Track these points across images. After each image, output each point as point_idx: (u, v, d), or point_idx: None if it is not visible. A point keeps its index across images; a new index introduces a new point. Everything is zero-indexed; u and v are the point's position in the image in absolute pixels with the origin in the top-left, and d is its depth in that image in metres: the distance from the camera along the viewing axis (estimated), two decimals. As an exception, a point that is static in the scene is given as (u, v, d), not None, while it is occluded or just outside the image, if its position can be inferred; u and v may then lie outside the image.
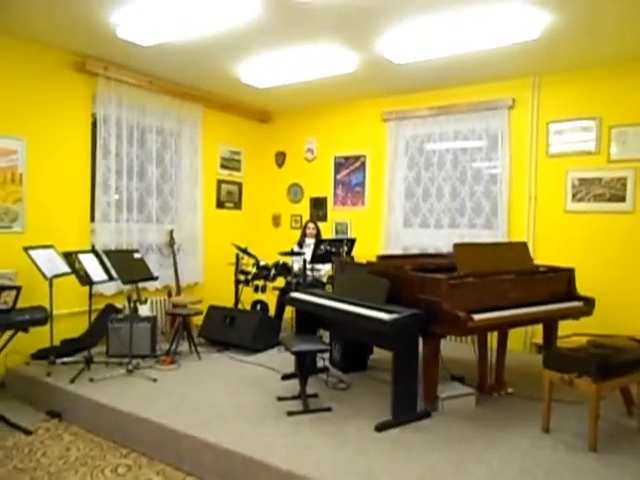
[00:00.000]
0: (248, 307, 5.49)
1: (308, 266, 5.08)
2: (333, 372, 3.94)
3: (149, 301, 4.70)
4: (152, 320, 4.32)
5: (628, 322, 4.21)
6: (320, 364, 4.00)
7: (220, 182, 6.03)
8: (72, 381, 3.59)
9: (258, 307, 5.49)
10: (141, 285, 4.77)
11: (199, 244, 5.60)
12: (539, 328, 4.37)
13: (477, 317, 2.94)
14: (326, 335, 4.46)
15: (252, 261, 5.33)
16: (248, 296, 5.64)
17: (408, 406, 2.99)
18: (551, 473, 2.46)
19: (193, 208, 5.54)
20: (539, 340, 4.55)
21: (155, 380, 3.69)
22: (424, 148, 5.37)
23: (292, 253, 5.08)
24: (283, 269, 5.17)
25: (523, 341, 4.78)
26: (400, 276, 3.24)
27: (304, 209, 6.32)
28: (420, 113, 5.33)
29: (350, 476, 2.40)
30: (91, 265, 3.95)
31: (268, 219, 6.62)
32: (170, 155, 5.30)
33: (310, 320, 3.77)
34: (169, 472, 2.80)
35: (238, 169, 6.28)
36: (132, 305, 4.46)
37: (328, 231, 5.98)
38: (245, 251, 5.26)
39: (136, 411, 3.12)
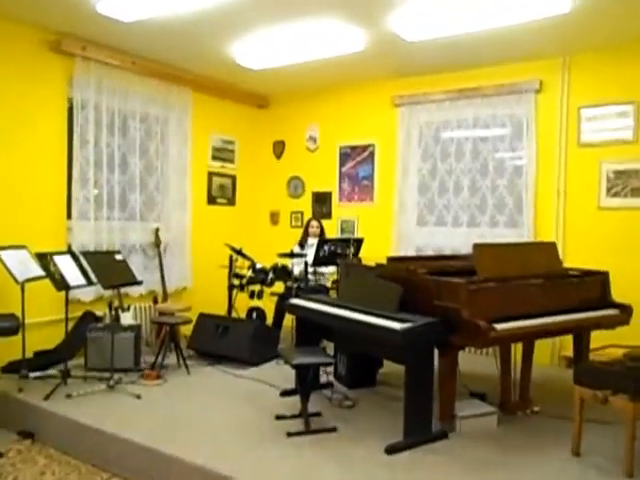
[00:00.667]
0: (243, 315, 5.49)
1: (310, 269, 5.11)
2: (338, 388, 3.95)
3: (132, 308, 4.71)
4: (135, 329, 4.33)
5: (670, 332, 4.23)
6: (323, 379, 4.00)
7: (212, 175, 6.03)
8: (47, 398, 3.59)
9: (254, 315, 5.49)
10: (123, 290, 4.76)
11: (188, 244, 5.61)
12: (569, 339, 4.36)
13: (500, 326, 2.94)
14: (330, 347, 4.42)
15: (247, 263, 5.32)
16: (243, 303, 5.62)
17: (422, 426, 2.98)
18: (582, 502, 2.48)
19: (181, 204, 5.55)
20: (569, 353, 4.53)
21: (139, 397, 3.70)
22: (440, 137, 5.38)
23: (292, 255, 5.09)
24: (282, 272, 5.18)
25: (551, 354, 4.77)
26: (413, 280, 3.24)
27: (306, 205, 6.31)
28: (435, 97, 5.33)
29: (357, 505, 2.43)
30: (68, 268, 3.95)
31: (265, 216, 6.61)
32: (155, 145, 5.31)
33: (312, 330, 3.77)
34: (155, 499, 2.83)
35: (232, 160, 6.27)
36: (113, 313, 4.48)
37: (333, 230, 5.98)
38: (239, 252, 5.26)
39: (118, 431, 3.12)
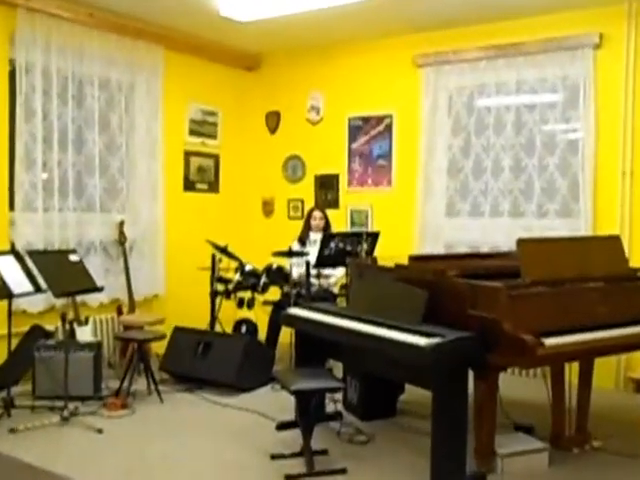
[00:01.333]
0: (229, 329, 5.50)
1: (313, 271, 5.06)
2: (348, 419, 3.94)
3: (91, 321, 4.72)
4: (95, 348, 4.34)
5: None
6: (330, 408, 3.99)
7: (189, 154, 6.02)
8: (-15, 433, 3.64)
9: (243, 329, 5.50)
10: (80, 299, 4.78)
11: (160, 241, 5.61)
12: (638, 357, 4.35)
13: (550, 341, 2.92)
14: (338, 368, 4.45)
15: (234, 265, 5.32)
16: (229, 314, 5.64)
17: (454, 467, 2.94)
18: None
19: (151, 191, 5.55)
20: (637, 374, 4.52)
21: (100, 431, 3.70)
22: (475, 105, 5.39)
23: (290, 253, 5.10)
24: (278, 276, 5.19)
25: (615, 375, 4.75)
26: (442, 285, 3.24)
27: (307, 192, 6.29)
28: (469, 56, 5.31)
29: None
30: (10, 271, 3.94)
31: (257, 206, 6.58)
32: (119, 117, 5.31)
33: (316, 347, 3.77)
34: None
35: (214, 136, 6.24)
36: (68, 327, 4.47)
37: (341, 222, 5.95)
38: (224, 251, 5.26)
39: (74, 474, 3.09)
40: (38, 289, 4.01)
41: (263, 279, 5.14)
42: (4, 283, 3.85)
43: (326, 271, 5.27)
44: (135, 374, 4.44)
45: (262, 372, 4.68)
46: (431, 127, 5.53)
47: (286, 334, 5.15)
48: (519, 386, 4.69)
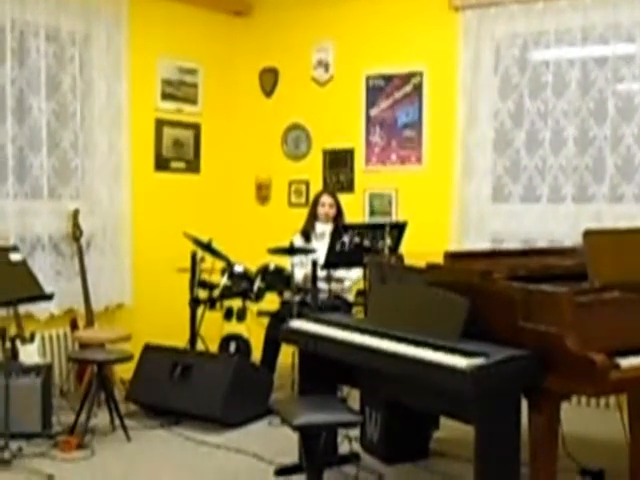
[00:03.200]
0: (214, 347, 5.52)
1: (321, 273, 5.09)
2: (367, 462, 3.94)
3: (38, 338, 4.70)
4: (43, 372, 4.32)
5: None
6: (344, 448, 3.96)
7: (162, 124, 6.01)
8: None
9: (232, 347, 5.51)
10: (23, 309, 4.76)
11: (125, 235, 5.61)
12: None
13: (627, 363, 2.87)
14: (354, 397, 4.46)
15: (221, 265, 5.35)
16: (214, 327, 5.58)
17: (503, 523, 2.98)
18: None
19: (114, 172, 5.54)
20: None
21: (51, 478, 3.68)
22: (529, 59, 5.36)
23: (292, 250, 5.08)
24: (276, 279, 5.21)
25: None
26: (487, 290, 3.23)
27: (312, 171, 6.31)
28: (520, -5, 5.37)
29: None
30: None
31: (249, 190, 6.61)
32: (72, 78, 5.29)
33: (325, 370, 3.77)
34: None
35: (193, 101, 6.23)
36: (8, 345, 4.48)
37: (356, 210, 5.97)
38: (208, 247, 5.27)
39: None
40: (-30, 297, 4.04)
41: (257, 283, 5.14)
42: None
43: (338, 273, 5.29)
44: (95, 405, 4.44)
45: (256, 402, 4.68)
46: (472, 88, 5.51)
47: (287, 354, 5.25)
48: (587, 419, 4.67)
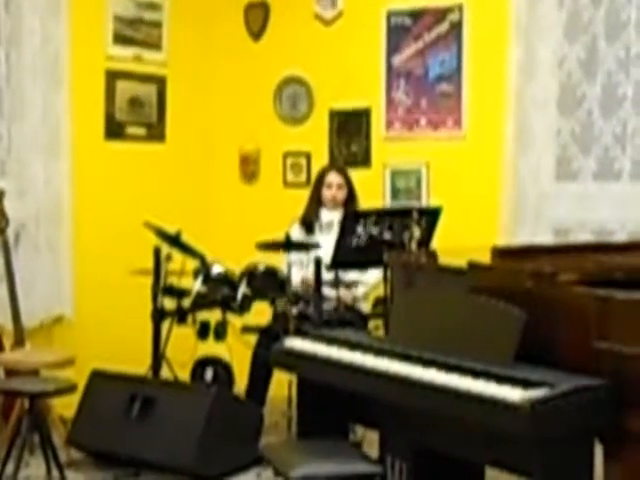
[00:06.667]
0: (185, 374, 5.50)
1: (327, 275, 5.08)
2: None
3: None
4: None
5: None
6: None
7: (114, 77, 6.01)
8: None
9: (209, 374, 5.51)
10: None
11: (65, 226, 5.63)
12: None
13: None
14: (372, 440, 4.43)
15: (193, 264, 5.34)
16: (185, 348, 5.51)
17: None
18: None
19: (50, 141, 5.55)
20: None
21: None
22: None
23: (289, 245, 5.07)
24: (267, 283, 5.19)
25: None
26: (549, 298, 3.19)
27: (315, 139, 6.32)
28: None
29: None
30: None
31: (230, 164, 6.65)
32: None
33: (333, 404, 3.76)
34: None
35: (156, 45, 6.22)
36: None
37: (374, 192, 5.96)
38: (176, 241, 5.24)
39: None
40: None
41: (242, 289, 5.13)
42: None
43: (349, 276, 5.27)
44: (26, 451, 4.45)
45: (241, 448, 4.70)
46: (529, 27, 5.44)
47: (281, 383, 5.19)
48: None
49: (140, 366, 5.18)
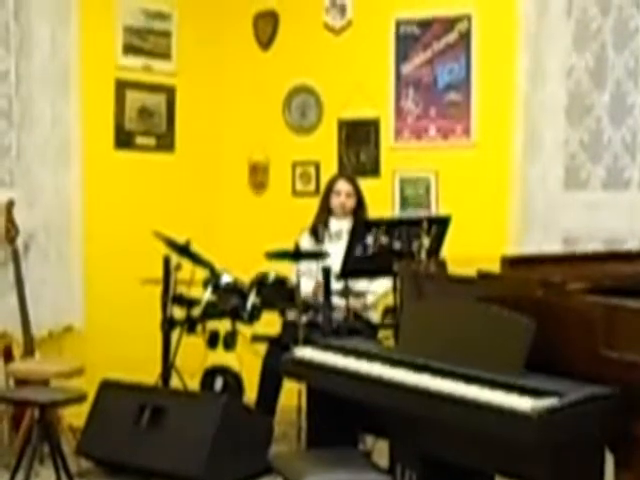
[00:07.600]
0: (195, 384, 5.50)
1: (337, 285, 5.09)
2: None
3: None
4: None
5: None
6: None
7: (124, 87, 6.05)
8: None
9: (218, 384, 5.49)
10: None
11: (75, 236, 5.66)
12: None
13: None
14: (382, 450, 4.43)
15: (203, 274, 5.33)
16: (194, 357, 5.49)
17: None
18: None
19: (60, 151, 5.57)
20: None
21: None
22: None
23: (298, 255, 5.06)
24: (276, 293, 5.19)
25: None
26: (558, 307, 3.19)
27: (324, 149, 6.33)
28: None
29: None
30: None
31: (239, 174, 6.66)
32: (3, 25, 5.39)
33: (342, 414, 3.76)
34: None
35: (166, 55, 6.26)
36: None
37: (383, 201, 5.99)
38: (186, 251, 5.23)
39: None
40: None
41: (252, 299, 5.11)
42: None
43: (359, 285, 5.26)
44: (36, 461, 4.46)
45: (250, 457, 4.68)
46: (538, 35, 5.48)
47: (291, 392, 5.18)
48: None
49: (150, 376, 5.19)
